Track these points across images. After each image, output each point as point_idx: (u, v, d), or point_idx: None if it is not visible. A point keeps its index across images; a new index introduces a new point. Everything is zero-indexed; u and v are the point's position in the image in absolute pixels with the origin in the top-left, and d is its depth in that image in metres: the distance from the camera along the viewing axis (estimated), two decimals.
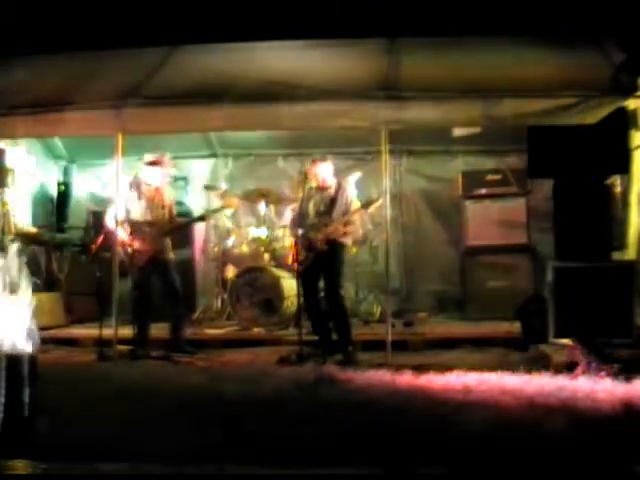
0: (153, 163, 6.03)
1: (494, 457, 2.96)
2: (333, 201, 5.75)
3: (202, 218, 6.73)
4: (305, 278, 5.69)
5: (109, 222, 5.91)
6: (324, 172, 5.80)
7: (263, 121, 5.68)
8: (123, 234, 5.82)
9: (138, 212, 5.96)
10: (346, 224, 5.73)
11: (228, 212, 7.24)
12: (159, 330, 6.08)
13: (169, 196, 6.19)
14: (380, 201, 5.58)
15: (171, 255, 6.06)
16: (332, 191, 5.80)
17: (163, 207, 6.05)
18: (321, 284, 5.84)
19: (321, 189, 5.83)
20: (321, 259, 5.66)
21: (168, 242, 6.06)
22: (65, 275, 7.83)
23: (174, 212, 6.20)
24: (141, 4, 7.58)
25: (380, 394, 4.07)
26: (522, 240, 7.41)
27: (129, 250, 5.80)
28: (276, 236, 7.28)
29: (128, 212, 5.92)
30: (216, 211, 6.73)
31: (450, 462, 2.93)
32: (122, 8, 7.55)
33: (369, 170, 6.96)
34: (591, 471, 2.85)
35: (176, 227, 6.20)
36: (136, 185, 5.99)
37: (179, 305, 6.01)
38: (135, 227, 5.90)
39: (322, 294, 5.88)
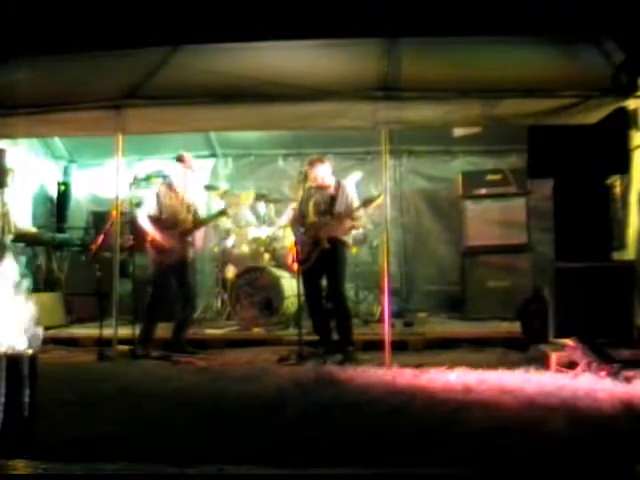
0: (180, 160, 6.01)
1: (494, 457, 2.96)
2: (333, 200, 5.74)
3: (220, 214, 6.61)
4: (307, 277, 5.69)
5: (142, 221, 5.88)
6: (322, 172, 5.79)
7: (263, 121, 5.68)
8: (154, 232, 5.83)
9: (167, 212, 5.95)
10: (351, 219, 5.72)
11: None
12: (159, 330, 6.08)
13: (193, 197, 6.17)
14: (381, 198, 5.57)
15: (192, 254, 6.09)
16: (332, 190, 5.79)
17: (188, 207, 6.05)
18: (323, 283, 5.83)
19: (321, 188, 5.83)
20: (324, 258, 5.66)
21: (189, 242, 6.06)
22: (65, 275, 7.83)
23: (197, 213, 6.21)
24: (141, 4, 7.58)
25: (380, 394, 4.07)
26: (522, 240, 7.41)
27: (160, 247, 5.81)
28: (276, 236, 7.28)
29: (160, 211, 5.92)
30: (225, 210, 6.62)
31: (450, 462, 2.93)
32: (122, 8, 7.55)
33: (369, 170, 6.96)
34: (592, 471, 2.85)
35: (196, 227, 6.16)
36: (168, 186, 6.00)
37: (189, 306, 6.03)
38: (164, 226, 5.90)
39: (324, 293, 5.89)
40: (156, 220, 5.88)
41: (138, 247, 5.99)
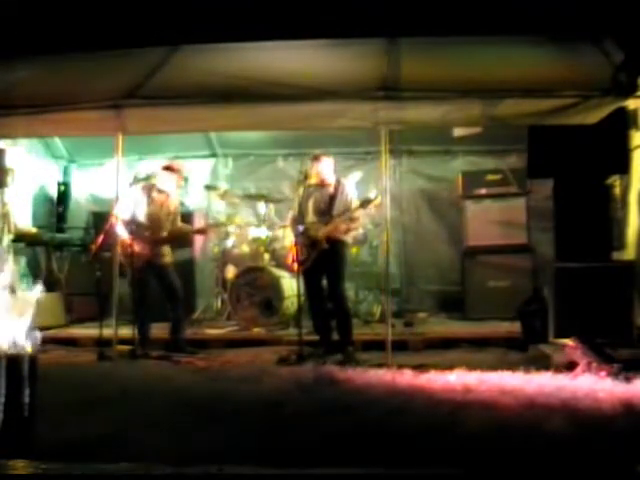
0: (169, 168, 6.04)
1: (494, 457, 2.96)
2: (333, 199, 5.74)
3: (203, 231, 6.83)
4: (308, 277, 5.70)
5: (114, 222, 5.87)
6: (325, 169, 5.80)
7: (263, 121, 5.67)
8: (125, 234, 5.83)
9: (144, 215, 5.96)
10: (349, 221, 5.73)
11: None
12: (159, 330, 6.09)
13: (175, 204, 6.20)
14: (378, 200, 5.57)
15: (168, 259, 6.08)
16: (331, 189, 5.79)
17: (168, 214, 6.08)
18: (324, 283, 5.83)
19: (320, 187, 5.83)
20: (324, 258, 5.66)
21: (166, 247, 6.08)
22: (65, 275, 7.83)
23: (178, 221, 6.24)
24: (141, 4, 7.57)
25: (380, 394, 4.07)
26: (522, 240, 7.41)
27: (128, 251, 5.80)
28: (276, 236, 7.28)
29: (134, 214, 5.92)
30: (217, 226, 6.87)
31: (450, 462, 2.93)
32: (122, 8, 7.54)
33: (369, 170, 6.96)
34: (592, 471, 2.85)
35: (173, 237, 6.17)
36: (148, 189, 6.00)
37: (178, 307, 6.02)
38: (137, 229, 5.89)
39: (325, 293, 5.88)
40: (129, 222, 5.86)
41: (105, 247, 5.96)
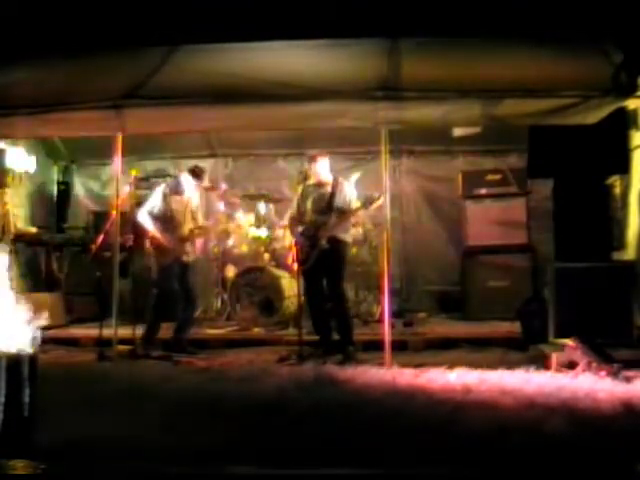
0: (193, 173, 6.07)
1: (494, 457, 2.96)
2: (332, 197, 5.76)
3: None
4: (308, 277, 5.70)
5: (142, 218, 5.90)
6: (322, 168, 5.83)
7: (263, 121, 5.67)
8: (156, 231, 5.85)
9: (172, 214, 5.98)
10: (350, 217, 5.76)
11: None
12: (159, 330, 6.08)
13: (195, 202, 6.23)
14: (381, 200, 5.57)
15: (193, 257, 6.12)
16: (330, 188, 5.81)
17: (191, 212, 6.14)
18: (324, 283, 5.83)
19: (319, 186, 5.85)
20: (324, 258, 5.67)
21: (191, 245, 6.11)
22: (65, 275, 7.83)
23: (199, 219, 6.28)
24: (141, 4, 7.57)
25: (380, 394, 4.08)
26: (522, 240, 7.41)
27: (160, 247, 5.84)
28: (276, 236, 7.28)
29: (165, 212, 5.94)
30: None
31: (450, 462, 2.93)
32: (122, 8, 7.54)
33: (369, 170, 6.96)
34: (592, 471, 2.85)
35: (195, 236, 6.19)
36: (174, 189, 6.02)
37: (190, 307, 6.04)
38: (166, 226, 5.92)
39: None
40: (157, 219, 5.89)
41: (138, 247, 5.99)
